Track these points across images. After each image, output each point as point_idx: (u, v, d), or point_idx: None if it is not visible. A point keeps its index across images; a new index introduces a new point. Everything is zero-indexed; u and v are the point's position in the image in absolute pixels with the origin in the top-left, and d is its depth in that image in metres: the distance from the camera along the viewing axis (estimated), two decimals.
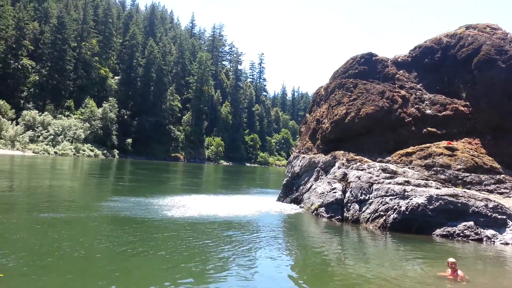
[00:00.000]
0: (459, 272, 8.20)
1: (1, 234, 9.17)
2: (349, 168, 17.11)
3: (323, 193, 16.94)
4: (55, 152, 65.87)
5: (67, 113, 78.77)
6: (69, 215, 12.65)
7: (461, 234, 12.44)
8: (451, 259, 8.32)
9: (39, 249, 8.15)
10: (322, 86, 23.64)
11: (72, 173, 35.91)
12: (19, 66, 72.93)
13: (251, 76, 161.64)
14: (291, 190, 20.72)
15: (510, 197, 14.05)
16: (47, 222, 10.97)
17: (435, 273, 8.41)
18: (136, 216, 13.02)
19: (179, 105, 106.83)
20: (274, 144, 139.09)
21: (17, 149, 60.10)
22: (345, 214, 15.51)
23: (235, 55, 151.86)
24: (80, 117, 78.74)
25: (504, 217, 12.56)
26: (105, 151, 78.01)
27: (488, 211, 12.69)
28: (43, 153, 63.23)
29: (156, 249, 8.96)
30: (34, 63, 77.76)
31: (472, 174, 14.80)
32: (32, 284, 6.35)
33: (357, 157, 17.51)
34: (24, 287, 6.17)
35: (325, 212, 16.00)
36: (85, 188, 23.92)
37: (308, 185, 19.16)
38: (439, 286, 7.86)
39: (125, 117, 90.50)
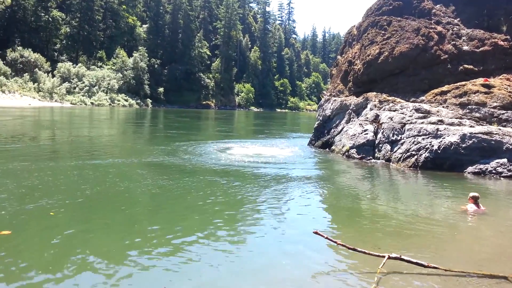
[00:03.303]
0: (481, 206, 8.38)
1: (47, 179, 9.91)
2: (381, 109, 16.98)
3: (354, 135, 17.03)
4: (92, 103, 68.11)
5: (99, 64, 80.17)
6: (111, 161, 13.47)
7: (493, 171, 12.41)
8: (472, 193, 8.46)
9: (84, 192, 8.79)
10: (354, 26, 22.87)
11: (110, 122, 37.34)
12: (50, 18, 73.73)
13: (279, 18, 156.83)
14: (322, 133, 20.86)
15: None
16: (90, 168, 11.78)
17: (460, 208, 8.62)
18: (175, 162, 13.70)
19: (208, 52, 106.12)
20: (304, 88, 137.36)
21: (56, 101, 62.49)
22: (376, 154, 15.65)
23: None
24: (112, 67, 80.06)
25: None
26: (138, 101, 79.83)
27: None
28: (80, 104, 65.54)
29: (196, 193, 9.48)
30: (64, 14, 78.35)
31: (509, 111, 14.35)
32: (81, 220, 7.03)
33: (390, 98, 17.29)
34: (75, 223, 6.82)
35: (356, 154, 16.18)
36: (124, 136, 25.00)
37: (339, 128, 19.23)
38: (466, 220, 8.09)
39: (156, 66, 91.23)
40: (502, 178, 12.13)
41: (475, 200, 8.37)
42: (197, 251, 5.76)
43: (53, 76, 66.71)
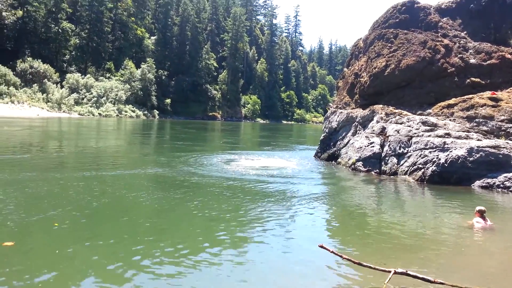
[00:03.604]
0: (488, 220, 8.29)
1: (53, 190, 9.96)
2: (388, 122, 16.94)
3: (360, 147, 16.98)
4: (99, 114, 68.62)
5: (108, 75, 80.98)
6: (117, 172, 13.52)
7: (501, 186, 12.27)
8: (479, 207, 8.38)
9: (90, 203, 8.81)
10: (361, 38, 22.96)
11: (117, 133, 37.57)
12: (60, 29, 74.81)
13: (286, 31, 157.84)
14: (328, 145, 20.83)
15: None
16: (96, 179, 11.83)
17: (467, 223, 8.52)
18: (181, 174, 13.71)
19: (215, 63, 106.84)
20: (310, 100, 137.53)
21: (64, 112, 63.06)
22: (382, 167, 15.56)
23: (269, 9, 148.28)
24: (121, 78, 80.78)
25: None
26: (145, 112, 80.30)
27: None
28: (88, 115, 66.03)
29: (202, 205, 9.46)
30: (73, 26, 79.49)
31: None
32: (85, 233, 7.00)
33: (396, 111, 17.25)
34: (78, 235, 6.79)
35: (362, 166, 16.11)
36: (130, 147, 25.12)
37: (346, 140, 19.19)
38: (473, 235, 7.98)
39: (163, 77, 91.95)
40: (510, 193, 11.98)
41: (481, 214, 8.28)
42: (202, 264, 5.73)
43: (62, 87, 67.42)
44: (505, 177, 12.41)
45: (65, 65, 77.44)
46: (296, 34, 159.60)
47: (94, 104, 70.22)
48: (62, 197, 9.19)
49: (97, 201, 8.99)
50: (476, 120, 14.95)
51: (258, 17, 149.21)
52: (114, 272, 5.30)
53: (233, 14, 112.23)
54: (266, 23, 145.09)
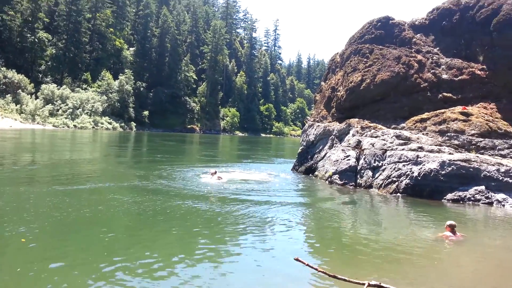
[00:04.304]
0: (457, 234, 8.51)
1: (23, 205, 9.62)
2: (363, 135, 17.23)
3: (337, 160, 17.17)
4: (75, 126, 67.19)
5: (84, 86, 79.60)
6: (91, 186, 13.23)
7: (472, 198, 12.62)
8: (449, 222, 8.60)
9: (61, 218, 8.55)
10: (337, 53, 23.39)
11: (93, 145, 36.88)
12: (36, 39, 73.34)
13: (265, 44, 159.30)
14: (305, 158, 20.98)
15: None
16: (69, 194, 11.53)
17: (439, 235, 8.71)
18: (157, 188, 13.53)
19: (194, 76, 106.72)
20: (289, 114, 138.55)
21: (38, 123, 61.47)
22: (358, 180, 15.78)
23: (249, 22, 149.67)
24: (97, 90, 79.50)
25: None
26: (122, 124, 79.04)
27: (500, 176, 12.78)
28: (63, 127, 64.60)
29: (177, 220, 9.34)
30: (50, 36, 78.08)
31: (486, 139, 14.76)
32: (55, 248, 6.80)
33: (372, 125, 17.57)
34: (48, 252, 6.59)
35: (338, 179, 16.28)
36: (105, 160, 24.67)
37: (323, 153, 19.38)
38: (444, 247, 8.15)
39: (141, 89, 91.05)
40: (480, 205, 12.31)
41: (452, 229, 8.50)
42: (175, 282, 5.63)
43: (36, 97, 65.83)
44: (475, 190, 12.76)
45: (40, 75, 75.80)
46: (275, 48, 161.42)
47: (69, 116, 68.72)
48: (33, 212, 8.89)
49: (70, 217, 8.74)
50: (448, 134, 15.37)
51: (238, 30, 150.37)
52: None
53: (213, 27, 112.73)
54: (245, 36, 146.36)
